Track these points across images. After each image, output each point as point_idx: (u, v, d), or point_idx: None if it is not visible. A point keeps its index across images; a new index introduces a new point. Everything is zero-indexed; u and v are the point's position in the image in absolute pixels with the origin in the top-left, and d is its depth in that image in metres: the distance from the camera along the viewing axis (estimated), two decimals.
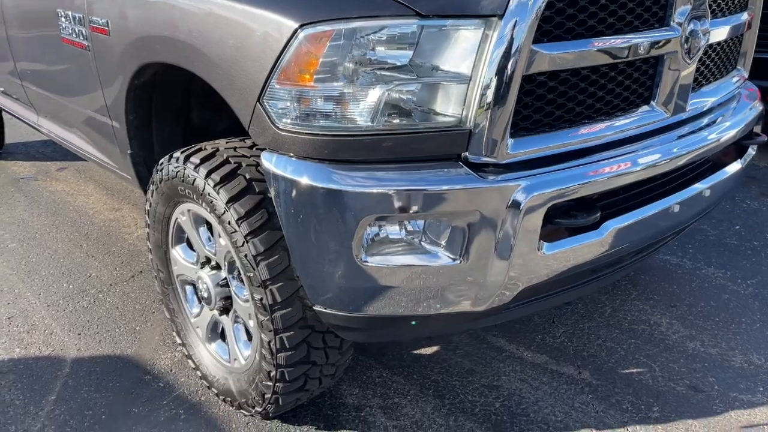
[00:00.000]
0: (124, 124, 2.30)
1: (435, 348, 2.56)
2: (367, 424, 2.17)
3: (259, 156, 1.96)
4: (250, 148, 2.03)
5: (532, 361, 2.49)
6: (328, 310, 1.70)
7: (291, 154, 1.61)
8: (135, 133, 2.33)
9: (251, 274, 1.82)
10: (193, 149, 2.02)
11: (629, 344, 2.57)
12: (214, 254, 2.10)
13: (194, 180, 1.94)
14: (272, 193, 1.67)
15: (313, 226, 1.59)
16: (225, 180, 1.87)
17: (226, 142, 2.07)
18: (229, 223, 1.84)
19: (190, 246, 2.27)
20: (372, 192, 1.51)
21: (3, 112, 5.06)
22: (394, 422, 2.18)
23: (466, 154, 1.55)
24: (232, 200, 1.84)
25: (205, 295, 2.13)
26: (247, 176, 1.89)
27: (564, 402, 2.26)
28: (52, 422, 2.22)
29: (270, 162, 1.65)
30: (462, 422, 2.17)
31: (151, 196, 2.22)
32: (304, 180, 1.57)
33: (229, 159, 1.94)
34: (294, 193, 1.59)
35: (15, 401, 2.34)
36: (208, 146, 2.03)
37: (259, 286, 1.82)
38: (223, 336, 2.30)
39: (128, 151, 2.36)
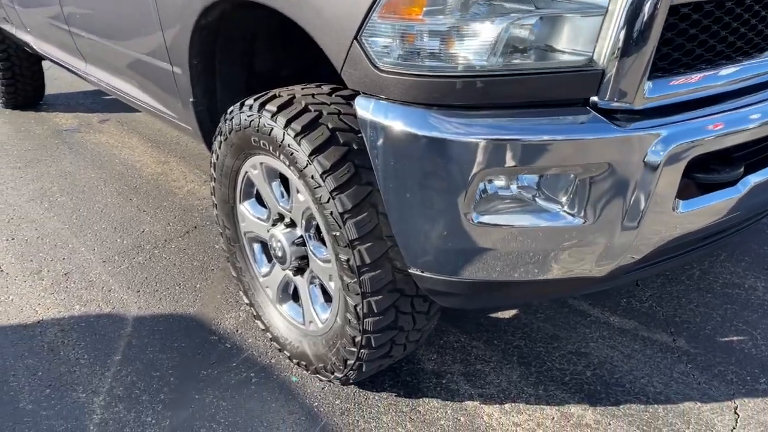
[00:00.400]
0: (186, 70, 2.13)
1: (513, 312, 2.41)
2: (450, 391, 2.04)
3: (341, 103, 1.79)
4: (329, 94, 1.85)
5: (620, 326, 2.32)
6: (426, 274, 1.55)
7: (392, 99, 1.42)
8: (198, 79, 2.16)
9: (337, 233, 1.67)
10: (267, 96, 1.85)
11: (725, 309, 2.39)
12: (289, 211, 1.94)
13: (271, 130, 1.78)
14: (368, 144, 1.49)
15: (417, 181, 1.42)
16: (307, 130, 1.70)
17: (302, 89, 1.89)
18: (312, 177, 1.68)
19: (260, 202, 2.12)
20: (490, 142, 1.32)
21: (43, 62, 4.93)
22: (479, 390, 2.04)
23: (595, 98, 1.35)
24: (315, 152, 1.67)
25: (279, 254, 1.99)
26: (330, 126, 1.71)
27: (661, 372, 2.10)
28: (120, 383, 2.14)
29: (366, 108, 1.47)
30: (552, 392, 2.03)
31: (219, 148, 2.06)
32: (408, 128, 1.39)
33: (309, 107, 1.76)
34: (395, 143, 1.41)
35: (80, 360, 2.25)
36: (283, 93, 1.86)
37: (345, 246, 1.66)
38: (295, 297, 2.17)
39: (191, 100, 2.20)
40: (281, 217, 2.02)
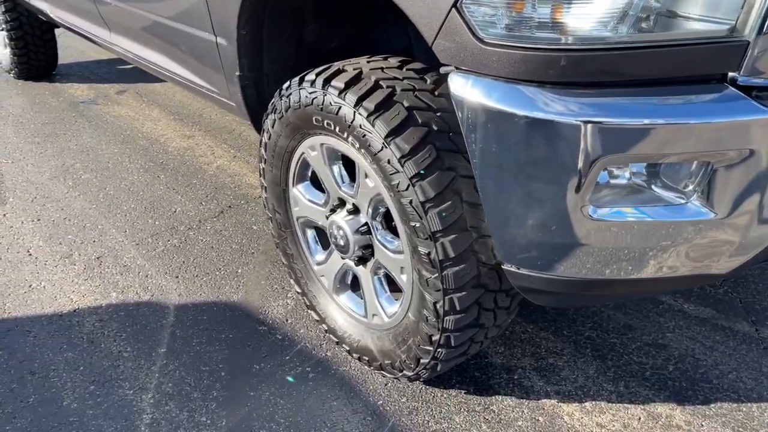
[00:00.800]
0: (233, 41, 1.94)
1: None
2: (524, 388, 1.91)
3: (414, 78, 1.62)
4: (399, 68, 1.67)
5: (697, 315, 2.18)
6: (524, 271, 1.39)
7: (497, 75, 1.25)
8: (246, 51, 1.98)
9: (416, 224, 1.51)
10: (331, 71, 1.67)
11: None
12: (353, 196, 1.78)
13: (338, 109, 1.60)
14: (463, 126, 1.32)
15: (524, 169, 1.25)
16: (381, 109, 1.53)
17: (368, 62, 1.71)
18: (388, 161, 1.51)
19: (317, 185, 1.96)
20: (615, 126, 1.15)
21: (55, 30, 4.72)
22: (554, 387, 1.91)
23: (735, 74, 1.18)
24: (392, 134, 1.50)
25: (342, 243, 1.84)
26: (406, 104, 1.54)
27: (749, 366, 1.96)
28: (168, 378, 2.01)
29: (464, 86, 1.29)
30: (634, 388, 1.89)
31: (271, 127, 1.89)
32: (516, 110, 1.21)
33: (380, 82, 1.59)
34: (500, 126, 1.24)
35: (123, 353, 2.12)
36: (348, 66, 1.68)
37: (426, 239, 1.51)
38: (354, 287, 2.03)
39: (237, 74, 2.01)
40: (342, 203, 1.86)
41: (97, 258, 2.66)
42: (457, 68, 1.32)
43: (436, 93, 1.60)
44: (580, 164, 1.18)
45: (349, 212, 1.82)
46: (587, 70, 1.17)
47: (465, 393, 1.90)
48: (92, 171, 3.42)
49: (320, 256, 2.06)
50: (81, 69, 5.29)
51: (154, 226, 2.88)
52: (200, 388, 1.97)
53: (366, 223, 1.80)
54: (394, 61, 1.71)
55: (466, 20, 1.24)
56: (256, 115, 2.16)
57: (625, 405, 1.84)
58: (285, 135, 1.86)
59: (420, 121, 1.52)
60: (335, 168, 1.82)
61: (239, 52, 1.96)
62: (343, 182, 1.83)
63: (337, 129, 1.64)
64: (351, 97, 1.57)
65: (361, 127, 1.55)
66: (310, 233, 2.07)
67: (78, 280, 2.51)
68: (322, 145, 1.79)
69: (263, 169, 2.04)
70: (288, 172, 1.97)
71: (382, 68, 1.66)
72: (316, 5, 2.06)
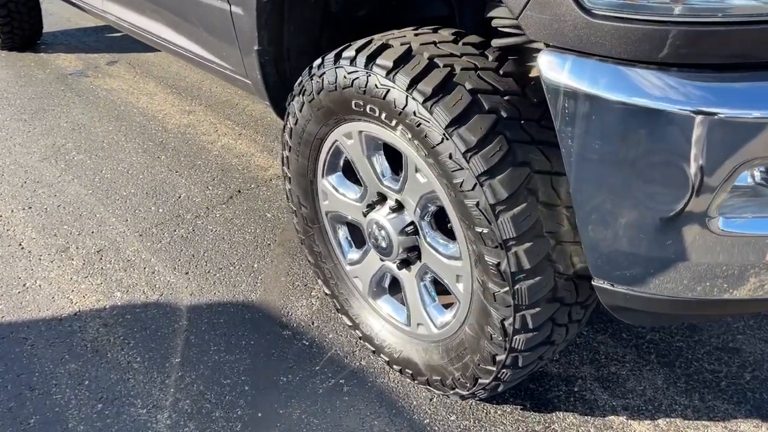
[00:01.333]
0: (251, 11, 1.67)
1: None
2: (587, 403, 1.71)
3: (473, 54, 1.37)
4: (454, 42, 1.42)
5: (766, 313, 1.98)
6: (620, 289, 1.17)
7: (606, 55, 1.00)
8: (266, 21, 1.71)
9: (484, 230, 1.28)
10: (374, 46, 1.42)
11: None
12: (398, 191, 1.54)
13: (386, 92, 1.35)
14: (558, 117, 1.08)
15: (640, 171, 1.02)
16: (439, 92, 1.29)
17: (416, 35, 1.46)
18: (449, 156, 1.28)
19: (349, 176, 1.72)
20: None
21: None
22: (621, 401, 1.71)
23: None
24: (455, 123, 1.26)
25: (383, 244, 1.61)
26: (468, 86, 1.30)
27: None
28: (185, 394, 1.79)
29: (560, 68, 1.04)
30: (711, 402, 1.70)
31: (299, 111, 1.64)
32: (635, 99, 0.97)
33: (435, 60, 1.34)
34: (610, 119, 1.01)
35: (132, 364, 1.90)
36: (394, 41, 1.42)
37: (496, 247, 1.28)
38: (392, 290, 1.80)
39: (255, 48, 1.75)
40: (382, 198, 1.62)
41: (98, 251, 2.41)
42: (548, 45, 1.07)
43: (501, 72, 1.36)
44: (714, 168, 0.95)
45: (392, 210, 1.59)
46: (737, 48, 0.93)
47: (521, 409, 1.70)
48: (86, 151, 3.15)
49: (353, 255, 1.83)
50: (67, 37, 4.95)
51: (158, 214, 2.63)
52: (222, 405, 1.76)
53: (412, 223, 1.57)
54: (446, 33, 1.46)
55: None
56: (276, 94, 1.90)
57: (704, 422, 1.64)
58: (315, 120, 1.61)
59: (486, 106, 1.28)
60: (376, 159, 1.58)
61: (259, 22, 1.69)
62: (385, 175, 1.59)
63: (383, 116, 1.40)
64: (402, 78, 1.32)
65: (415, 114, 1.31)
66: (342, 230, 1.84)
67: (77, 278, 2.27)
68: (360, 132, 1.54)
69: (287, 157, 1.79)
70: (317, 161, 1.73)
71: (434, 42, 1.41)
72: None
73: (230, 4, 1.76)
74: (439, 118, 1.27)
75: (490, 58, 1.38)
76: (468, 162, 1.25)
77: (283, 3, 1.73)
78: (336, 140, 1.63)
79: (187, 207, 2.67)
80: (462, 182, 1.28)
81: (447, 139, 1.27)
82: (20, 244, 2.46)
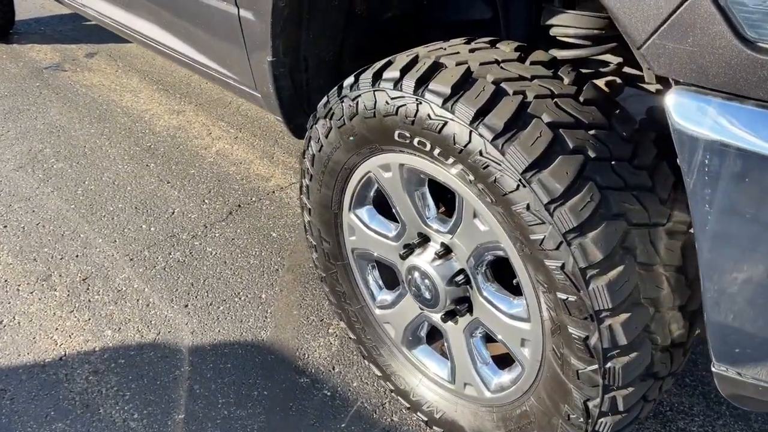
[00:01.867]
0: (266, 16, 1.40)
1: None
2: None
3: (546, 76, 1.13)
4: (520, 60, 1.17)
5: None
6: (751, 380, 0.94)
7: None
8: (283, 28, 1.44)
9: (569, 298, 1.05)
10: (424, 66, 1.16)
11: None
12: (446, 233, 1.30)
13: (443, 125, 1.11)
14: (691, 175, 0.84)
15: None
16: (512, 128, 1.04)
17: (470, 51, 1.21)
18: (527, 207, 1.04)
19: (382, 211, 1.47)
20: None
21: None
22: None
23: None
24: (535, 167, 1.02)
25: (427, 295, 1.37)
26: (546, 119, 1.06)
27: None
28: None
29: (700, 115, 0.80)
30: None
31: (324, 136, 1.38)
32: None
33: (502, 86, 1.09)
34: None
35: (130, 423, 1.65)
36: (447, 59, 1.17)
37: (585, 319, 1.05)
38: (429, 338, 1.57)
39: (268, 59, 1.48)
40: (424, 239, 1.38)
41: (83, 280, 2.14)
42: (677, 83, 0.82)
43: (581, 99, 1.11)
44: None
45: (439, 255, 1.34)
46: None
47: None
48: (66, 158, 2.85)
49: (385, 296, 1.59)
50: (42, 26, 4.59)
51: (150, 233, 2.36)
52: None
53: (462, 270, 1.33)
54: (507, 48, 1.21)
55: (723, 8, 0.74)
56: (291, 109, 1.64)
57: None
58: (345, 148, 1.36)
59: (571, 145, 1.04)
60: (419, 195, 1.33)
61: (274, 30, 1.42)
62: (429, 215, 1.34)
63: (437, 152, 1.15)
64: (464, 109, 1.08)
65: (481, 154, 1.06)
66: (371, 269, 1.59)
67: (61, 313, 2.01)
68: (402, 166, 1.29)
69: (307, 186, 1.53)
70: (343, 193, 1.48)
71: (496, 61, 1.16)
72: None
73: (238, 6, 1.48)
74: (514, 161, 1.03)
75: (566, 80, 1.14)
76: (552, 215, 1.01)
77: (302, 6, 1.46)
78: (369, 171, 1.38)
79: (182, 225, 2.40)
80: (543, 239, 1.04)
81: (524, 186, 1.03)
82: None
